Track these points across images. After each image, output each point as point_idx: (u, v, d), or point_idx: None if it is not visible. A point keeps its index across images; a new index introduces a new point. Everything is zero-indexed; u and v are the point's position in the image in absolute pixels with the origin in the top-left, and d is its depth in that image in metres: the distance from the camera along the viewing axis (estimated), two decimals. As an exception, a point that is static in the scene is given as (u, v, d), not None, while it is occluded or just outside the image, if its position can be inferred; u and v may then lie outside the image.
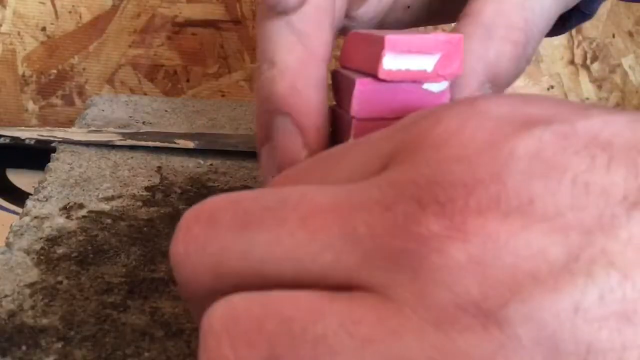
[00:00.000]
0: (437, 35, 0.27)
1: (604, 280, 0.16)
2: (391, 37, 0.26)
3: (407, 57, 0.26)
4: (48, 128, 0.50)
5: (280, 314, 0.18)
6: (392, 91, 0.27)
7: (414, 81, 0.27)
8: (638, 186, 0.17)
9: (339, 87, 0.30)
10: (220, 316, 0.19)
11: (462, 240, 0.17)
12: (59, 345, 0.27)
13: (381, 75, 0.26)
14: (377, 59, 0.26)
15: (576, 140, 0.18)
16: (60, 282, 0.31)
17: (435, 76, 0.27)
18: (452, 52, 0.26)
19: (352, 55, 0.29)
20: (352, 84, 0.27)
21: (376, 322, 0.17)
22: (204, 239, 0.20)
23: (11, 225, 0.36)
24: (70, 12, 0.67)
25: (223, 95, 0.69)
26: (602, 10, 0.70)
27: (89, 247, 0.34)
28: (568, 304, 0.16)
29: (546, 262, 0.17)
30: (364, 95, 0.27)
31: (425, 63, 0.26)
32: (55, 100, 0.68)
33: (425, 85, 0.27)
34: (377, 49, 0.26)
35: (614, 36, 0.71)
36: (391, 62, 0.26)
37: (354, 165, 0.21)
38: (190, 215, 0.21)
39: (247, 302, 0.19)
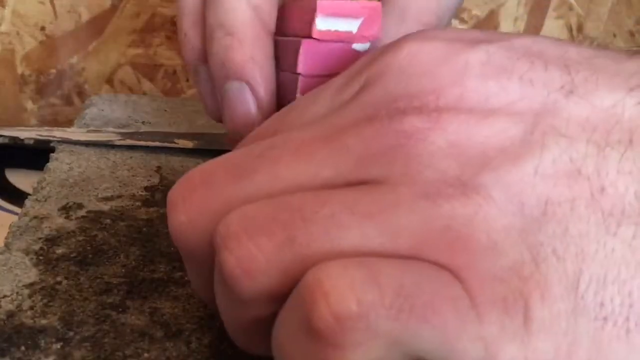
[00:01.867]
0: (360, 2, 0.31)
1: (555, 147, 0.20)
2: (323, 2, 0.30)
3: (336, 19, 0.31)
4: (47, 128, 0.50)
5: (290, 206, 0.20)
6: (329, 50, 0.31)
7: (344, 41, 0.31)
8: (571, 79, 0.21)
9: (277, 52, 0.33)
10: (235, 220, 0.21)
11: (440, 129, 0.21)
12: (58, 345, 0.27)
13: (314, 35, 0.30)
14: (312, 21, 0.30)
15: (515, 52, 0.22)
16: (60, 283, 0.31)
17: (360, 37, 0.31)
18: (373, 16, 0.31)
19: (287, 24, 0.33)
20: (297, 44, 0.31)
21: (374, 200, 0.20)
22: (204, 200, 0.22)
23: (10, 225, 0.36)
24: (69, 11, 0.66)
25: (223, 95, 0.69)
26: (603, 10, 0.70)
27: (88, 248, 0.34)
28: (529, 168, 0.20)
29: (508, 138, 0.21)
30: (309, 54, 0.31)
31: (351, 25, 0.31)
32: (55, 100, 0.68)
33: (354, 45, 0.31)
34: (311, 13, 0.30)
35: (615, 36, 0.71)
36: (323, 24, 0.30)
37: (325, 105, 0.24)
38: (181, 187, 0.23)
39: (258, 206, 0.21)
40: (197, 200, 0.22)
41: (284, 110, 0.26)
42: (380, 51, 0.24)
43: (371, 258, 0.19)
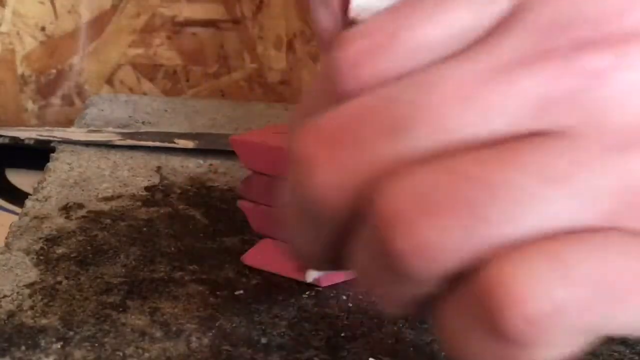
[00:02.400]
0: None
1: None
2: None
3: None
4: (47, 128, 0.50)
5: (468, 176, 0.17)
6: None
7: None
8: None
9: None
10: (404, 194, 0.18)
11: (631, 65, 0.17)
12: (59, 345, 0.27)
13: None
14: None
15: None
16: (60, 282, 0.31)
17: None
18: None
19: None
20: None
21: (561, 160, 0.17)
22: (354, 158, 0.19)
23: (10, 225, 0.36)
24: (69, 11, 0.66)
25: (223, 95, 0.69)
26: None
27: (89, 247, 0.34)
28: None
29: None
30: None
31: None
32: (55, 100, 0.68)
33: None
34: None
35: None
36: None
37: (468, 12, 0.19)
38: (319, 139, 0.19)
39: (428, 175, 0.18)
40: (345, 157, 0.19)
41: (402, 7, 0.20)
42: None
43: (557, 244, 0.17)
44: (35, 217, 0.37)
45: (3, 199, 0.50)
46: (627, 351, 0.30)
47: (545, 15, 0.18)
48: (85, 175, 0.42)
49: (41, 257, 0.33)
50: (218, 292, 0.32)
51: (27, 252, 0.33)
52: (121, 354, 0.27)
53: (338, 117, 0.19)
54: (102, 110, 0.55)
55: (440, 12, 0.19)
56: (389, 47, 0.19)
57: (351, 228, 0.19)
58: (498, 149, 0.18)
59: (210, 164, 0.46)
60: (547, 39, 0.18)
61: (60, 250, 0.34)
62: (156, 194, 0.41)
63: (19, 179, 0.52)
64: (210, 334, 0.29)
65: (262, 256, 0.34)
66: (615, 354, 0.30)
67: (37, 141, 0.49)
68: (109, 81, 0.68)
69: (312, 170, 0.19)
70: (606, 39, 0.18)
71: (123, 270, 0.33)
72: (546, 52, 0.18)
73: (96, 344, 0.28)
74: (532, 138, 0.18)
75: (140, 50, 0.68)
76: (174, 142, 0.48)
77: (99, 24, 0.67)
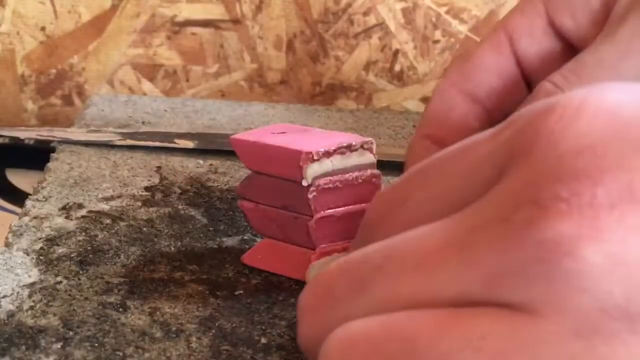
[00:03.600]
0: None
1: None
2: None
3: None
4: (47, 128, 0.50)
5: (401, 334, 0.17)
6: None
7: None
8: None
9: None
10: (337, 343, 0.18)
11: (596, 239, 0.15)
12: (58, 345, 0.27)
13: None
14: None
15: None
16: (60, 282, 0.31)
17: None
18: None
19: None
20: None
21: (507, 336, 0.16)
22: (327, 315, 0.20)
23: (10, 225, 0.36)
24: (69, 11, 0.66)
25: (223, 95, 0.69)
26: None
27: (89, 247, 0.34)
28: None
29: None
30: None
31: None
32: (55, 100, 0.68)
33: None
34: None
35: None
36: None
37: (461, 178, 0.19)
38: (308, 296, 0.20)
39: (366, 325, 0.18)
40: (320, 312, 0.20)
41: (421, 166, 0.21)
42: (526, 111, 0.18)
43: None
44: (35, 217, 0.37)
45: (3, 199, 0.50)
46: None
47: (520, 179, 0.17)
48: (85, 175, 0.42)
49: (41, 257, 0.33)
50: (218, 292, 0.32)
51: (27, 252, 0.33)
52: (121, 354, 0.27)
53: (323, 277, 0.20)
54: (102, 110, 0.55)
55: (436, 182, 0.20)
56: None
57: None
58: (442, 310, 0.17)
59: (210, 164, 0.46)
60: (514, 201, 0.17)
61: (60, 250, 0.34)
62: (156, 194, 0.41)
63: (19, 179, 0.52)
64: (210, 334, 0.29)
65: (262, 256, 0.34)
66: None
67: (37, 141, 0.49)
68: (109, 81, 0.68)
69: (300, 322, 0.20)
70: (572, 206, 0.16)
71: (123, 270, 0.33)
72: (506, 219, 0.17)
73: (96, 344, 0.28)
74: (482, 310, 0.17)
75: (140, 50, 0.68)
76: (174, 142, 0.48)
77: (99, 24, 0.67)
